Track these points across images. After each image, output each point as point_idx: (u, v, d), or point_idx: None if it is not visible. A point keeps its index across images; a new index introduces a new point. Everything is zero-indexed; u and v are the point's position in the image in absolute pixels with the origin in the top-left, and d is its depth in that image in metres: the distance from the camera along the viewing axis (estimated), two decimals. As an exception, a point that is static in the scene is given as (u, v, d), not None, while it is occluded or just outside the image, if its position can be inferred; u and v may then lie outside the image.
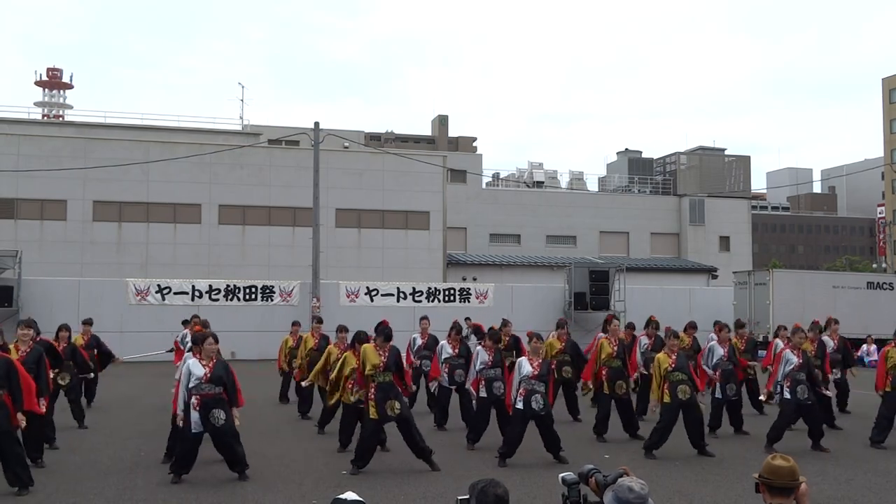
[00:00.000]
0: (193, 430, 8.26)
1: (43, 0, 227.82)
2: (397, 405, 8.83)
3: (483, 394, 10.26)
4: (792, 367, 10.37)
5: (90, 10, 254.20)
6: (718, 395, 11.66)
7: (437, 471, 8.90)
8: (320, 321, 14.01)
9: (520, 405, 9.35)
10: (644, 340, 13.39)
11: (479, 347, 10.78)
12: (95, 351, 13.76)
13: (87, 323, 14.09)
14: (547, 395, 9.54)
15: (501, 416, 10.22)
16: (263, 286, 24.63)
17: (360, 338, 9.71)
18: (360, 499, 3.58)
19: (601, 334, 12.42)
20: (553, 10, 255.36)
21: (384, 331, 9.14)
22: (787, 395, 10.36)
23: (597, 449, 10.37)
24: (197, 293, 23.87)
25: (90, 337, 13.84)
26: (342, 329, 11.81)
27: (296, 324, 15.45)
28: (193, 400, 8.28)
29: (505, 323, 13.50)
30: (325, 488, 8.02)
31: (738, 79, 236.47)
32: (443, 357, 12.05)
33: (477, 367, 10.34)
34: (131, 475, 8.77)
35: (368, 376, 8.93)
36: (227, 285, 24.38)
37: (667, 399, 9.90)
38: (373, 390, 8.87)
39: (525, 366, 9.46)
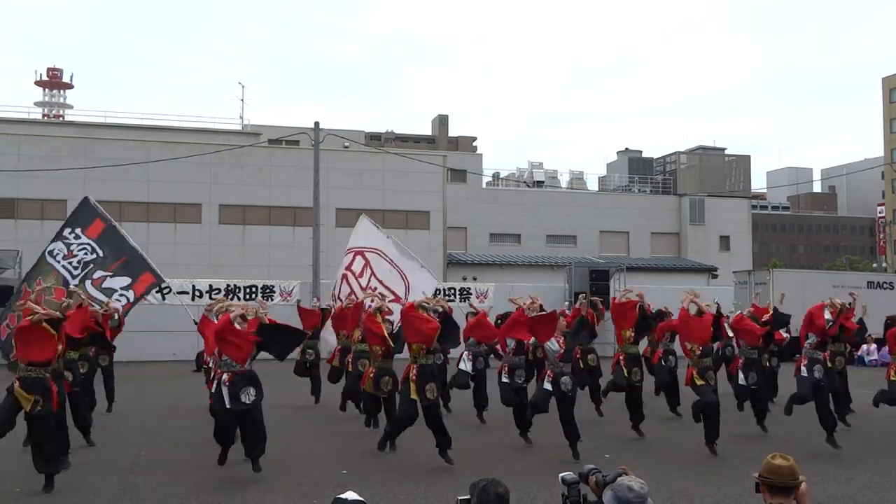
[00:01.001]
0: (227, 405, 8.34)
1: (43, 0, 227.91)
2: (435, 389, 9.03)
3: (505, 379, 10.49)
4: (810, 343, 10.75)
5: (90, 10, 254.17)
6: (742, 381, 11.68)
7: (451, 464, 9.00)
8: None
9: (548, 386, 9.50)
10: None
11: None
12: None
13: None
14: (573, 374, 9.74)
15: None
16: (264, 286, 24.62)
17: None
18: (361, 498, 3.58)
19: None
20: (553, 10, 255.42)
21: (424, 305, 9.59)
22: (804, 372, 10.57)
23: (598, 448, 10.37)
24: (197, 293, 23.86)
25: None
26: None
27: None
28: (224, 377, 8.42)
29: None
30: (325, 488, 8.03)
31: (738, 79, 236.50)
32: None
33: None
34: (131, 475, 8.77)
35: (412, 357, 9.14)
36: (228, 285, 24.36)
37: (700, 382, 10.05)
38: (415, 371, 9.00)
39: (552, 344, 9.55)
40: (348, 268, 13.78)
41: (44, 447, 7.95)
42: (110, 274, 12.36)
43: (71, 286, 11.68)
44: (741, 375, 11.60)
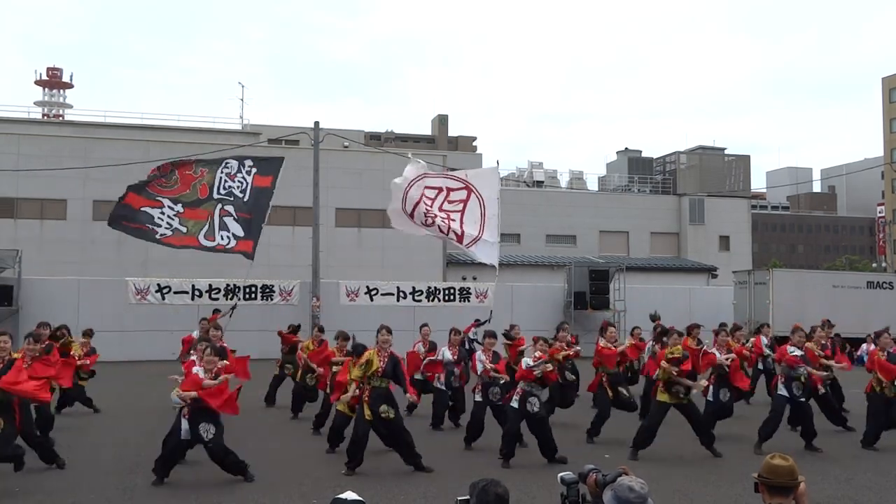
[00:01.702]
0: (182, 437, 8.28)
1: (43, 0, 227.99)
2: (392, 412, 8.87)
3: (478, 398, 10.34)
4: (786, 364, 10.50)
5: (90, 10, 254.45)
6: (710, 398, 11.33)
7: (430, 472, 8.93)
8: (321, 329, 13.55)
9: (515, 404, 9.41)
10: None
11: (478, 351, 10.81)
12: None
13: (88, 335, 13.85)
14: (543, 397, 9.57)
15: (498, 418, 10.25)
16: (263, 285, 24.59)
17: (359, 350, 9.57)
18: (360, 498, 3.57)
19: (600, 340, 12.30)
20: (553, 10, 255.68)
21: (387, 328, 9.29)
22: (781, 391, 10.47)
23: (597, 449, 10.36)
24: (197, 292, 23.83)
25: (89, 349, 13.58)
26: (342, 336, 11.74)
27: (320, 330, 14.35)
28: (185, 409, 8.30)
29: (511, 327, 13.50)
30: (324, 488, 8.02)
31: (738, 79, 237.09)
32: (443, 361, 12.23)
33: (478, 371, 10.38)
34: (131, 475, 8.76)
35: (367, 378, 8.95)
36: (227, 284, 24.32)
37: (662, 398, 9.92)
38: (367, 393, 8.90)
39: (527, 362, 9.51)
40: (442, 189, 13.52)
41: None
42: (235, 217, 13.38)
43: (214, 196, 13.30)
44: (711, 391, 11.36)
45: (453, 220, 12.97)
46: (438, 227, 12.96)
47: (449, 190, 13.29)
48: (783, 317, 22.97)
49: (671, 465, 9.36)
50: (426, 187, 13.19)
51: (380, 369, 8.91)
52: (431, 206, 13.04)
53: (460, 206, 13.15)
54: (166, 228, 13.19)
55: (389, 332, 9.27)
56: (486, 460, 9.47)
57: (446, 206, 13.17)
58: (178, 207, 13.14)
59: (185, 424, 8.25)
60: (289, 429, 11.99)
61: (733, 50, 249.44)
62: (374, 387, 8.90)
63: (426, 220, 12.98)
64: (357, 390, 9.20)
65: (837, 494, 8.02)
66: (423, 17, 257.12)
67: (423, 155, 37.59)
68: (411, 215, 13.10)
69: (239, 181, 13.51)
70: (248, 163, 13.66)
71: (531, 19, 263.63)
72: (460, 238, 12.96)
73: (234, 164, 13.54)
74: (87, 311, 22.36)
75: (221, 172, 13.41)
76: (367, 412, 8.83)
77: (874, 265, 64.27)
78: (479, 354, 10.51)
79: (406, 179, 13.28)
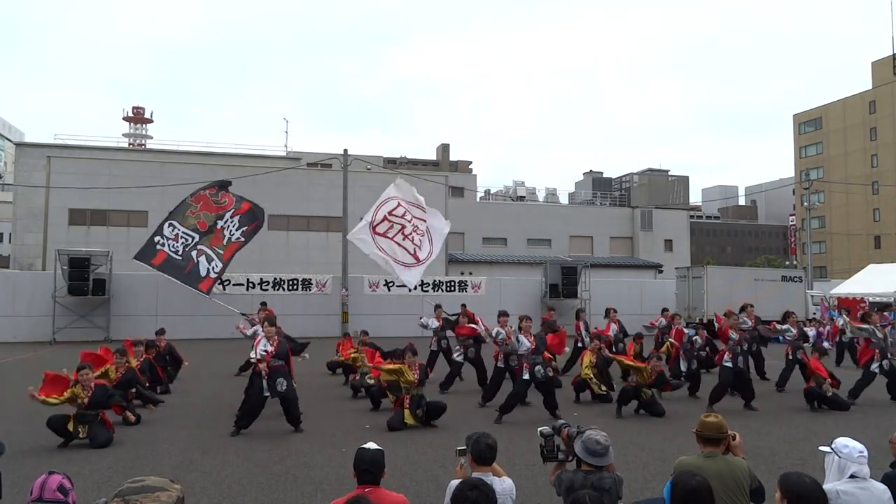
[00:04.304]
0: (263, 393, 8.40)
1: (130, 53, 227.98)
2: (421, 413, 8.85)
3: (501, 364, 10.41)
4: (732, 341, 10.35)
5: (168, 61, 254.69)
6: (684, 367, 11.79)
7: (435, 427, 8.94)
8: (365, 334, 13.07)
9: (526, 376, 9.32)
10: (613, 327, 13.50)
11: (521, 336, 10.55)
12: (168, 357, 12.47)
13: (161, 333, 12.72)
14: (545, 364, 9.51)
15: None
16: (303, 279, 24.63)
17: (396, 354, 9.35)
18: (380, 447, 3.57)
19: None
20: (533, 59, 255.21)
21: (412, 349, 9.17)
22: (726, 363, 10.36)
23: (567, 408, 10.33)
24: (251, 284, 23.87)
25: (165, 344, 12.56)
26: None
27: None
28: (262, 370, 8.43)
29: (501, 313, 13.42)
30: (352, 440, 8.01)
31: (680, 113, 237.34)
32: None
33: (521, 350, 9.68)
34: (197, 429, 8.74)
35: (405, 388, 8.92)
36: (275, 278, 24.37)
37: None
38: (408, 401, 8.87)
39: (524, 342, 9.45)
40: (391, 212, 13.11)
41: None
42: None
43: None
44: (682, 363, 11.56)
45: (417, 245, 12.63)
46: (393, 248, 12.42)
47: (415, 218, 12.95)
48: (715, 304, 22.90)
49: (625, 422, 9.33)
50: (395, 210, 12.67)
51: (415, 381, 8.87)
52: (402, 228, 12.60)
53: (411, 226, 12.82)
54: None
55: (415, 353, 9.14)
56: (481, 418, 9.45)
57: (411, 231, 12.80)
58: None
59: (262, 383, 8.37)
60: (324, 394, 11.96)
61: (676, 91, 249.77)
62: (413, 395, 8.88)
63: (389, 240, 12.47)
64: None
65: (759, 445, 7.98)
66: (428, 64, 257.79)
67: (429, 175, 37.62)
68: (375, 231, 12.61)
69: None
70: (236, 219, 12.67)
71: (516, 66, 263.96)
72: (415, 262, 12.57)
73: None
74: (164, 299, 22.38)
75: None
76: (408, 416, 8.77)
77: (787, 263, 64.07)
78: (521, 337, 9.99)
79: (387, 196, 12.85)
